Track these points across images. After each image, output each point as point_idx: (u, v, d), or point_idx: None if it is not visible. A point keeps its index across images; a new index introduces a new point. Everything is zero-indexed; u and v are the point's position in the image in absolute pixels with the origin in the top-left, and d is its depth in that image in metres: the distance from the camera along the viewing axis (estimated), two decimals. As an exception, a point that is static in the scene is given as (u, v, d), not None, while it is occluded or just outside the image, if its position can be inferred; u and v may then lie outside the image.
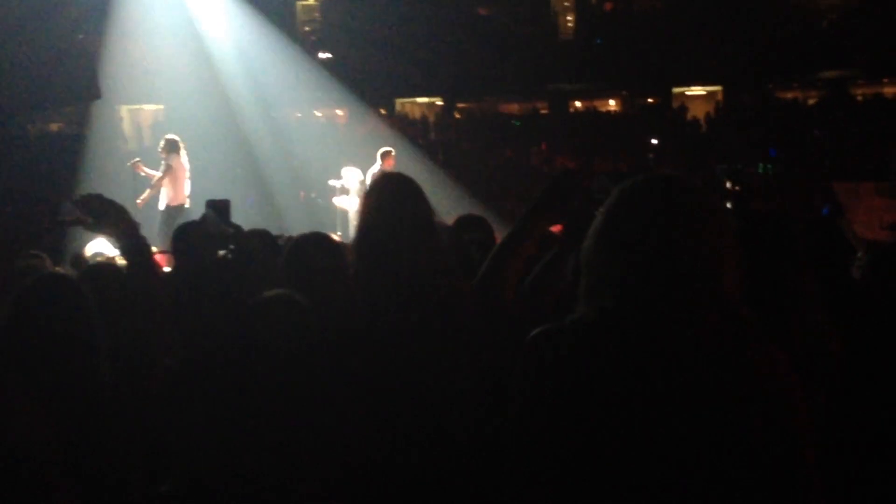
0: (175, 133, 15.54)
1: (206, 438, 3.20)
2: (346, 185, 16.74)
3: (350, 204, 16.46)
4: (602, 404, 2.22)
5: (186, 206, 15.01)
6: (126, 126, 27.64)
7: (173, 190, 15.04)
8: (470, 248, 4.79)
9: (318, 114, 31.22)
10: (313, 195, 21.57)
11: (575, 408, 2.25)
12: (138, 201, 14.59)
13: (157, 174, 15.16)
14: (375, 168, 16.35)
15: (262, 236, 5.25)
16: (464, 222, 5.80)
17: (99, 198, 3.47)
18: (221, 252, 4.31)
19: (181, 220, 9.03)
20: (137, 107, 27.99)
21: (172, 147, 15.13)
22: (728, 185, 4.60)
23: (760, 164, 24.19)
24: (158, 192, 15.05)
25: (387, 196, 3.62)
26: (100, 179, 17.30)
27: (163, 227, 13.93)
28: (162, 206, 14.98)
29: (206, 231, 4.90)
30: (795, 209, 16.30)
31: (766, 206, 15.55)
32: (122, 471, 3.18)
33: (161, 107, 28.31)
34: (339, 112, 31.65)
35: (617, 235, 2.31)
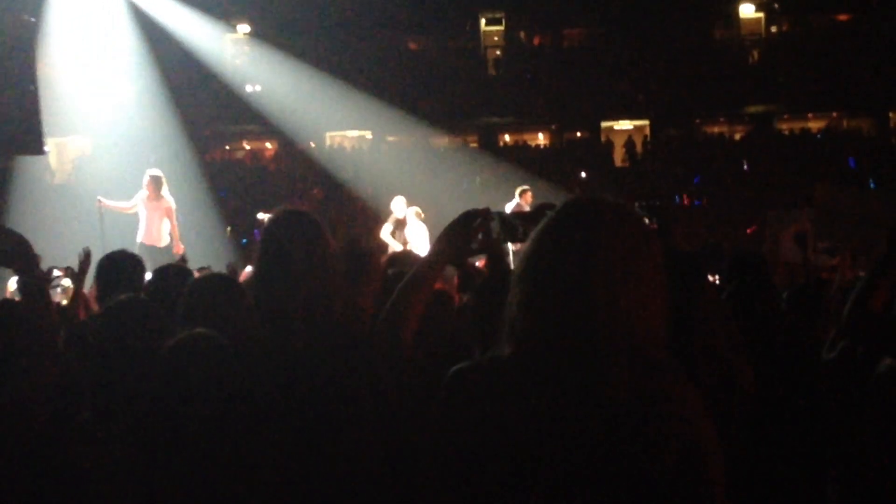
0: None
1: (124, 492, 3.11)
2: (398, 216, 15.60)
3: (416, 234, 15.39)
4: (518, 444, 2.21)
5: (159, 245, 14.30)
6: (52, 159, 27.24)
7: (143, 228, 14.49)
8: (393, 282, 4.84)
9: (246, 146, 31.08)
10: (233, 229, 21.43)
11: (492, 446, 2.24)
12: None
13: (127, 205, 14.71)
14: (513, 204, 16.04)
15: (179, 273, 5.14)
16: (390, 258, 6.12)
17: (1, 229, 3.37)
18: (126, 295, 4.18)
19: (152, 261, 8.83)
20: (64, 139, 27.61)
21: (150, 183, 14.61)
22: (646, 220, 4.61)
23: (685, 196, 24.55)
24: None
25: (282, 230, 3.67)
26: (23, 213, 17.03)
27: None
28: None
29: None
30: (722, 240, 16.51)
31: (688, 241, 15.71)
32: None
33: (88, 139, 28.00)
34: (269, 145, 31.54)
35: (535, 271, 2.29)
